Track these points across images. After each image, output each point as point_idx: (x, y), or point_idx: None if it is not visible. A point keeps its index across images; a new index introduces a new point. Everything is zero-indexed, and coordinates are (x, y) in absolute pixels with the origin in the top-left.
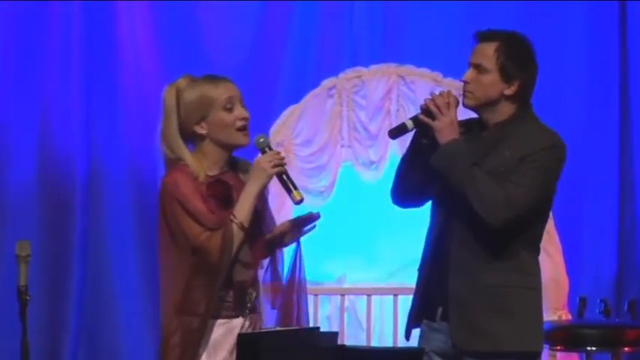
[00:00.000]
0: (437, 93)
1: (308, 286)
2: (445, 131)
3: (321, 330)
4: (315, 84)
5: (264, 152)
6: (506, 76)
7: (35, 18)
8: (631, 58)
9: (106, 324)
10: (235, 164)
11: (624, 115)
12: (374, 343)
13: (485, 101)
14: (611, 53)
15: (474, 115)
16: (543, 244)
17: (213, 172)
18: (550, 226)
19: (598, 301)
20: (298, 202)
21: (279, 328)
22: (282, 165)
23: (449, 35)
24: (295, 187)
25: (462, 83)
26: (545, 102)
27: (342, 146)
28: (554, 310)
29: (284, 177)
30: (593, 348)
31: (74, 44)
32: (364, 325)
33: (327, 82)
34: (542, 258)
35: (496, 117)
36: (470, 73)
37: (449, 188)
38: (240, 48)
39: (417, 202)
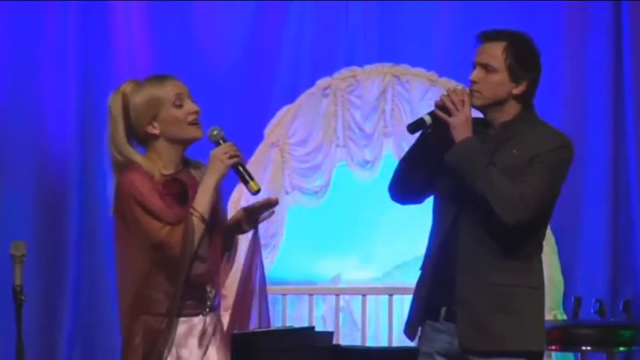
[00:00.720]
0: (452, 89)
1: (303, 285)
2: (460, 128)
3: (316, 330)
4: (310, 84)
5: (218, 144)
6: (514, 76)
7: (31, 18)
8: (625, 60)
9: (101, 324)
10: (187, 163)
11: (618, 114)
12: (369, 343)
13: (493, 101)
14: (605, 55)
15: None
16: None
17: (169, 172)
18: None
19: (593, 301)
20: (255, 193)
21: (274, 328)
22: (238, 156)
23: (444, 35)
24: (252, 178)
25: (470, 83)
26: (540, 101)
27: (337, 146)
28: (550, 310)
29: (240, 168)
30: (588, 348)
31: (69, 44)
32: (359, 325)
33: (321, 82)
34: None
35: (503, 116)
36: (477, 73)
37: (459, 186)
38: (235, 48)
39: (419, 199)
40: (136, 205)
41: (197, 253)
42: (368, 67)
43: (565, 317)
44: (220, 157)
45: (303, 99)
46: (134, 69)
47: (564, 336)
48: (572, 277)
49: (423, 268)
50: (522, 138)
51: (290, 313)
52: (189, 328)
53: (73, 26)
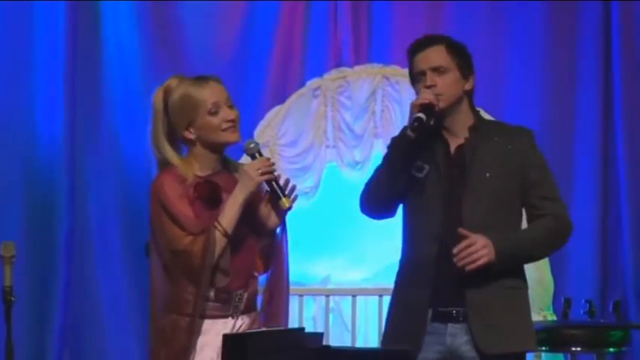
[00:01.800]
0: (422, 91)
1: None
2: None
3: (306, 331)
4: (300, 85)
5: (254, 158)
6: (463, 73)
7: (19, 18)
8: (615, 59)
9: (92, 325)
10: (227, 163)
11: (607, 114)
12: (359, 344)
13: (454, 100)
14: (594, 54)
15: None
16: None
17: (205, 173)
18: None
19: (583, 301)
20: (286, 211)
21: (264, 329)
22: (271, 172)
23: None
24: (285, 195)
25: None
26: (530, 101)
27: (327, 147)
28: (539, 310)
29: (273, 184)
30: (578, 348)
31: (59, 44)
32: (349, 326)
33: (311, 83)
34: None
35: (464, 120)
36: (432, 77)
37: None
38: (225, 49)
39: (394, 211)
40: (162, 210)
41: (219, 265)
42: (358, 68)
43: (555, 318)
44: (252, 172)
45: (293, 100)
46: (124, 70)
47: (554, 337)
48: (562, 278)
49: (413, 270)
50: (496, 140)
51: None
52: (214, 329)
53: (62, 27)
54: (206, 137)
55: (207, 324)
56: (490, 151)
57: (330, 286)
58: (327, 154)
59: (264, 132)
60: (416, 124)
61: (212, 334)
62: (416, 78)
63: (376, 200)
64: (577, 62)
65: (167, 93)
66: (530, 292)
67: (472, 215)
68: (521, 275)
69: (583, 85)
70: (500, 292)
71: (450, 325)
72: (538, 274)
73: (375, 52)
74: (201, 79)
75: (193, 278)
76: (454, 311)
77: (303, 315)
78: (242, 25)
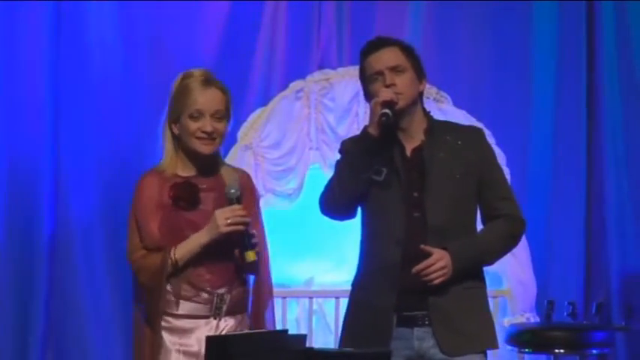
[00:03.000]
0: (380, 92)
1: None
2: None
3: (290, 332)
4: (283, 87)
5: (230, 203)
6: (418, 73)
7: (3, 20)
8: (597, 61)
9: (74, 327)
10: (219, 165)
11: (591, 117)
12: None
13: (412, 100)
14: (579, 56)
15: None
16: None
17: (187, 174)
18: None
19: (566, 303)
20: (248, 263)
21: (246, 331)
22: (240, 224)
23: (416, 37)
24: (251, 247)
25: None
26: (515, 105)
27: (310, 149)
28: (522, 312)
29: (243, 235)
30: (561, 350)
31: (44, 46)
32: (332, 328)
33: (295, 85)
34: (510, 261)
35: (419, 123)
36: (391, 77)
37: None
38: (207, 51)
39: (354, 213)
40: (133, 214)
41: (203, 261)
42: (341, 70)
43: (538, 320)
44: (219, 220)
45: (276, 102)
46: (105, 70)
47: (537, 338)
48: (545, 279)
49: (377, 274)
50: (449, 139)
51: None
52: (194, 327)
53: (46, 27)
54: (183, 138)
55: (188, 323)
56: (447, 153)
57: (313, 288)
58: (310, 156)
59: (247, 134)
60: (384, 119)
61: (192, 335)
62: (370, 79)
63: (337, 201)
64: (561, 63)
65: (182, 79)
66: (513, 293)
67: (435, 218)
68: (480, 274)
69: (567, 87)
70: (460, 293)
71: (416, 329)
72: (522, 276)
73: (358, 54)
74: (207, 82)
75: (143, 288)
76: (419, 315)
77: (287, 317)
78: (225, 27)
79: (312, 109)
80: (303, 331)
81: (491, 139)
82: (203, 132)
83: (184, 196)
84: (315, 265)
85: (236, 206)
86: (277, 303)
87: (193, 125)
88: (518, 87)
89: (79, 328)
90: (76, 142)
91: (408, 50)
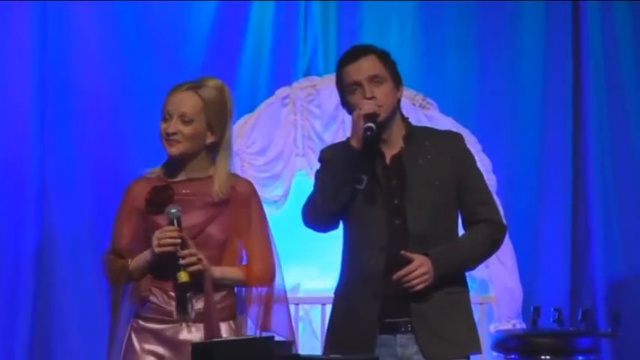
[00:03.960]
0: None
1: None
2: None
3: (276, 339)
4: (270, 93)
5: (170, 223)
6: (396, 82)
7: None
8: (584, 65)
9: (59, 334)
10: (216, 176)
11: (577, 124)
12: None
13: (392, 111)
14: (565, 56)
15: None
16: (497, 253)
17: (175, 178)
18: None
19: (552, 310)
20: (180, 284)
21: (232, 338)
22: (171, 245)
23: (402, 41)
24: (183, 268)
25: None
26: (501, 110)
27: (297, 155)
28: (509, 319)
29: (177, 255)
30: (548, 357)
31: (29, 47)
32: (318, 334)
33: (281, 91)
34: (497, 267)
35: (398, 130)
36: (370, 88)
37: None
38: (193, 57)
39: (338, 223)
40: (116, 215)
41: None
42: (327, 77)
43: (524, 326)
44: (154, 241)
45: (262, 108)
46: (90, 71)
47: (523, 344)
48: (532, 286)
49: (360, 282)
50: (428, 145)
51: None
52: (162, 329)
53: (32, 29)
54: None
55: (156, 326)
56: (426, 160)
57: (299, 295)
58: (296, 163)
59: (234, 140)
60: (369, 133)
61: (159, 338)
62: (349, 90)
63: (320, 213)
64: (547, 64)
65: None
66: (499, 300)
67: (417, 225)
68: (462, 279)
69: (553, 91)
70: (442, 298)
71: (399, 335)
72: (508, 282)
73: None
74: (181, 85)
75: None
76: (402, 322)
77: None
78: (210, 33)
79: (298, 116)
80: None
81: (477, 146)
82: (166, 133)
83: (155, 200)
84: (302, 272)
85: (170, 227)
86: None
87: (162, 126)
88: (504, 93)
89: (66, 337)
90: (62, 149)
91: (384, 57)
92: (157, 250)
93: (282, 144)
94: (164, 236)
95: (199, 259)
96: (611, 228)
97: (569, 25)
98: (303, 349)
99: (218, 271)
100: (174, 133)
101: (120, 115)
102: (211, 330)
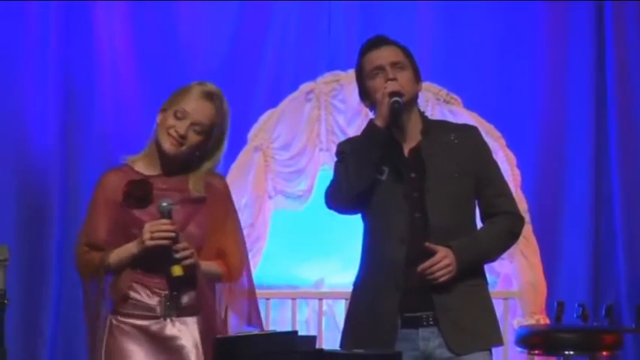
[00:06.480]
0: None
1: (286, 289)
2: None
3: (299, 334)
4: (294, 88)
5: (161, 216)
6: (416, 74)
7: (9, 19)
8: (608, 62)
9: (83, 330)
10: (192, 173)
11: (601, 121)
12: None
13: (412, 97)
14: (587, 56)
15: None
16: (521, 248)
17: (151, 172)
18: (528, 230)
19: (576, 305)
20: (174, 278)
21: (256, 332)
22: (164, 238)
23: (426, 38)
24: (176, 262)
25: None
26: (522, 104)
27: (321, 150)
28: (532, 314)
29: (170, 249)
30: (571, 352)
31: (51, 44)
32: (341, 329)
33: (305, 87)
34: (521, 262)
35: (416, 123)
36: (393, 72)
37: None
38: (217, 52)
39: (360, 207)
40: (89, 206)
41: (153, 262)
42: (351, 72)
43: (548, 321)
44: (146, 234)
45: (286, 103)
46: (115, 72)
47: (547, 340)
48: (555, 281)
49: (381, 275)
50: (445, 139)
51: (273, 318)
52: (144, 326)
53: (54, 27)
54: (158, 129)
55: (138, 322)
56: (444, 153)
57: (323, 290)
58: (320, 158)
59: (258, 135)
60: (396, 105)
61: (141, 334)
62: (370, 75)
63: (347, 194)
64: (569, 64)
65: (194, 82)
66: (523, 295)
67: (437, 218)
68: (480, 271)
69: (575, 88)
70: (463, 290)
71: (421, 329)
72: (531, 277)
73: None
74: (208, 96)
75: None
76: (424, 315)
77: (296, 318)
78: (235, 29)
79: (322, 111)
80: (312, 333)
81: (502, 141)
82: (175, 132)
83: (135, 194)
84: (325, 267)
85: (164, 220)
86: (287, 304)
87: (172, 121)
88: (528, 88)
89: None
90: (86, 144)
91: (406, 51)
92: (149, 243)
93: (306, 139)
94: (158, 229)
95: (192, 253)
96: (634, 223)
97: (593, 24)
98: (326, 344)
99: (202, 266)
100: (184, 137)
101: (143, 109)
102: (208, 322)
